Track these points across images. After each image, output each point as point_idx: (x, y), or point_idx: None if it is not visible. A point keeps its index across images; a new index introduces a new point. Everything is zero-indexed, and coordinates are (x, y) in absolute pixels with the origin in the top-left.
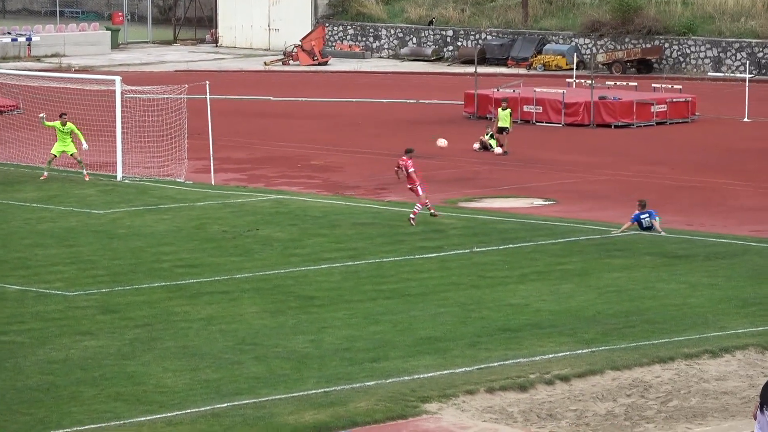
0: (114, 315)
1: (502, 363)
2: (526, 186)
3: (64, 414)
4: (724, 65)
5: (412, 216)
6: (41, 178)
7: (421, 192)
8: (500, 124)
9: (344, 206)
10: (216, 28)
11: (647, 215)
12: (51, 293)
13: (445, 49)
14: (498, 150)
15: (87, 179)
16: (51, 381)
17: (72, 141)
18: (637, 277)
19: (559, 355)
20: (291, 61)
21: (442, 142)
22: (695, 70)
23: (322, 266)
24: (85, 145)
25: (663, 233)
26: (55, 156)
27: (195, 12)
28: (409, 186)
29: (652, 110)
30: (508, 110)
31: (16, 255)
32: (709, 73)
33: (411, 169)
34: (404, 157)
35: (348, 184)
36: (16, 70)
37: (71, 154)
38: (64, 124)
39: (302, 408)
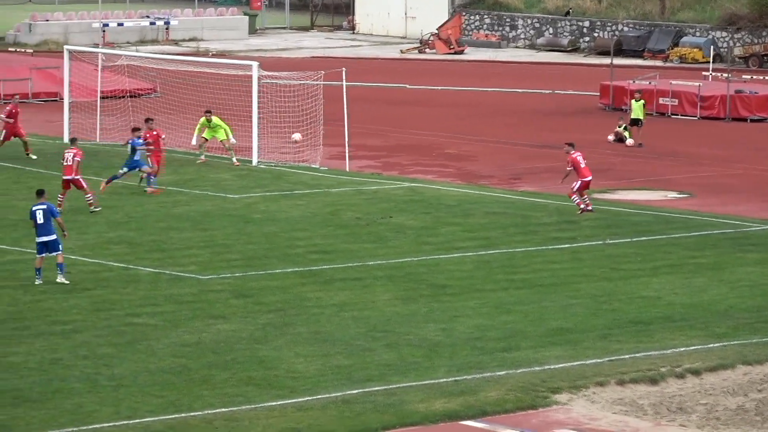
0: (247, 299)
1: (633, 356)
2: (660, 178)
3: (195, 397)
4: None
5: (583, 206)
6: (198, 162)
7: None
8: (633, 115)
9: (477, 195)
10: (353, 15)
11: None
12: (185, 276)
13: (581, 40)
14: (631, 141)
15: (237, 164)
16: (183, 364)
17: (222, 130)
18: None
19: (690, 348)
20: (427, 50)
21: (296, 136)
22: None
23: (455, 255)
24: (233, 140)
25: None
26: (206, 139)
27: None
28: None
29: None
30: (642, 101)
31: (150, 238)
32: None
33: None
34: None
35: (482, 173)
36: (154, 53)
37: (221, 140)
38: (209, 120)
39: (433, 396)
